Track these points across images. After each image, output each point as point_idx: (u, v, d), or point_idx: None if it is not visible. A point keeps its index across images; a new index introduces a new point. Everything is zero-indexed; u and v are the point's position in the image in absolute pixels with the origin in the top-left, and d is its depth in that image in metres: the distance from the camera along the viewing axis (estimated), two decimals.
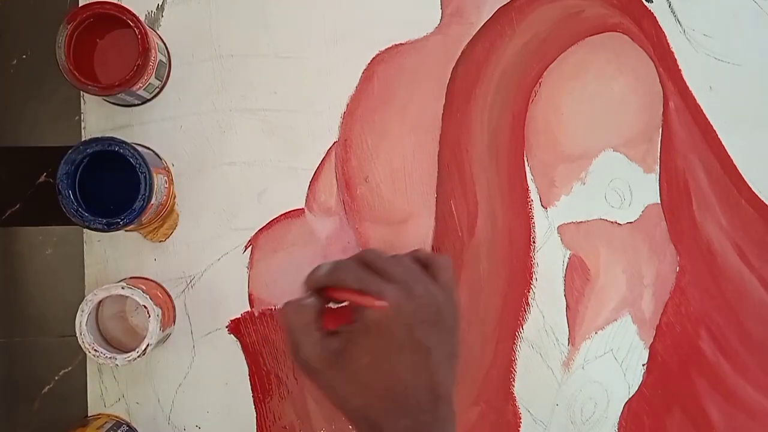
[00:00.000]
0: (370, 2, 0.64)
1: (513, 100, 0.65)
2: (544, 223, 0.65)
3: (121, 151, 0.55)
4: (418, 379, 0.52)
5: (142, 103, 0.62)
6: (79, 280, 0.62)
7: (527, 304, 0.65)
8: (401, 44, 0.64)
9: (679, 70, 0.66)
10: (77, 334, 0.56)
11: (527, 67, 0.65)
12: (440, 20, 0.65)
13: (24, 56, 0.62)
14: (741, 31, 0.67)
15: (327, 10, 0.64)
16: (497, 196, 0.65)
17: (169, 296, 0.62)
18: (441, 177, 0.65)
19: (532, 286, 0.65)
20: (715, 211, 0.67)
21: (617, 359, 0.66)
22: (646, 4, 0.66)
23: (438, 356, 0.53)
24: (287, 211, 0.64)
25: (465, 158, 0.65)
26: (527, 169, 0.65)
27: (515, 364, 0.65)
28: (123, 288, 0.57)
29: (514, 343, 0.65)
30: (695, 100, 0.66)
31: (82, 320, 0.56)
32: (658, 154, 0.66)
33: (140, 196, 0.55)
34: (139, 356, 0.57)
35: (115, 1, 0.56)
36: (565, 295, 0.65)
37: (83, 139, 0.61)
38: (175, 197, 0.63)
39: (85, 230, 0.62)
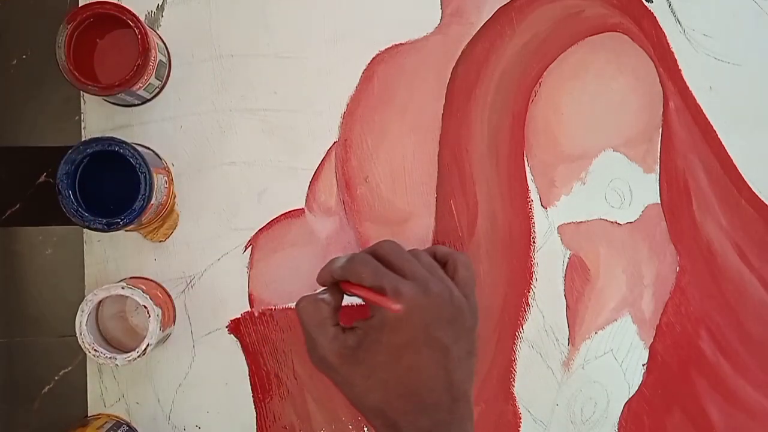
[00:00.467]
0: (370, 2, 0.64)
1: (513, 100, 0.65)
2: (544, 223, 0.65)
3: (121, 151, 0.55)
4: (436, 377, 0.52)
5: (142, 103, 0.62)
6: (79, 280, 0.62)
7: (527, 304, 0.65)
8: (401, 44, 0.64)
9: (679, 70, 0.66)
10: (77, 334, 0.56)
11: (527, 67, 0.65)
12: (440, 20, 0.65)
13: (24, 56, 0.62)
14: (741, 31, 0.67)
15: (327, 10, 0.64)
16: (497, 196, 0.65)
17: (169, 296, 0.62)
18: (441, 177, 0.65)
19: (532, 286, 0.65)
20: (715, 211, 0.67)
21: (617, 359, 0.66)
22: (646, 4, 0.66)
23: (456, 354, 0.53)
24: (287, 211, 0.64)
25: (465, 158, 0.65)
26: (527, 169, 0.65)
27: (515, 364, 0.65)
28: (123, 288, 0.57)
29: (514, 343, 0.65)
30: (695, 100, 0.66)
31: (82, 320, 0.56)
32: (658, 154, 0.66)
33: (140, 196, 0.55)
34: (139, 356, 0.57)
35: (115, 1, 0.56)
36: (565, 295, 0.65)
37: (83, 139, 0.61)
38: (175, 197, 0.63)
39: (85, 230, 0.62)
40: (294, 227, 0.64)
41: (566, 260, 0.65)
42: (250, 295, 0.63)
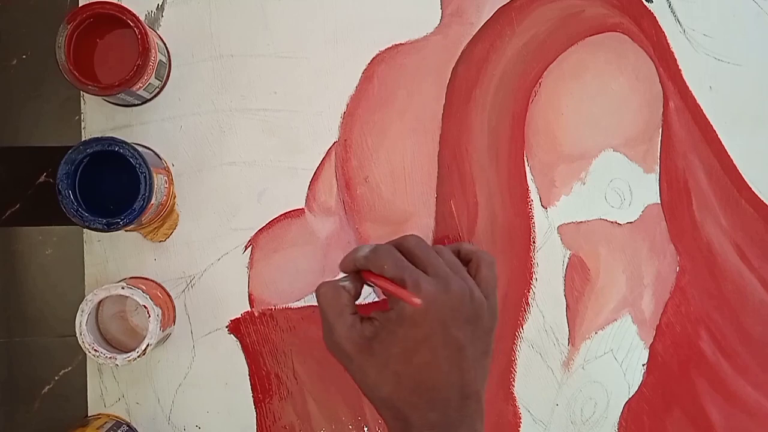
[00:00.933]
0: (370, 2, 0.64)
1: (513, 100, 0.65)
2: (544, 223, 0.65)
3: (121, 151, 0.55)
4: (450, 375, 0.52)
5: (142, 103, 0.62)
6: (79, 280, 0.62)
7: (527, 304, 0.65)
8: (401, 44, 0.64)
9: (679, 70, 0.66)
10: (77, 334, 0.56)
11: (527, 67, 0.65)
12: (440, 20, 0.65)
13: (24, 56, 0.62)
14: (741, 31, 0.67)
15: (327, 10, 0.64)
16: (497, 196, 0.65)
17: (169, 296, 0.62)
18: (441, 177, 0.65)
19: (532, 286, 0.65)
20: (715, 211, 0.67)
21: (617, 359, 0.66)
22: (646, 4, 0.66)
23: (471, 354, 0.53)
24: (287, 211, 0.64)
25: (465, 158, 0.65)
26: (527, 169, 0.65)
27: (515, 364, 0.65)
28: (123, 288, 0.57)
29: (514, 343, 0.65)
30: (695, 100, 0.66)
31: (82, 320, 0.56)
32: (658, 154, 0.66)
33: (140, 196, 0.55)
34: (139, 356, 0.57)
35: (115, 1, 0.56)
36: (565, 295, 0.65)
37: (83, 139, 0.61)
38: (175, 197, 0.63)
39: (85, 230, 0.62)
40: (294, 227, 0.64)
41: (566, 260, 0.65)
42: (250, 295, 0.63)
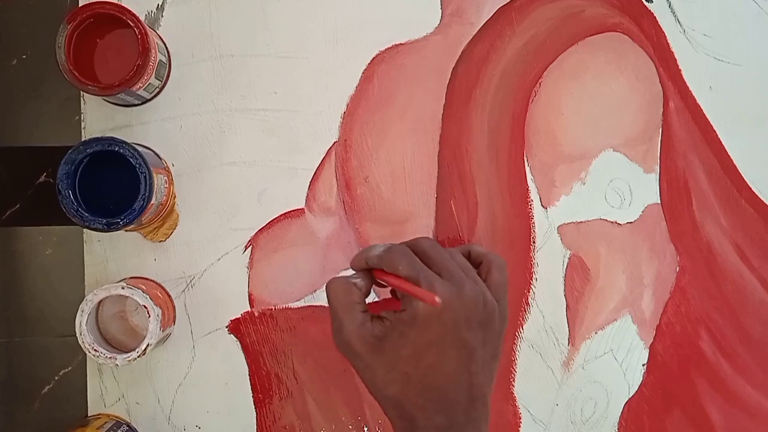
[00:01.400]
0: (370, 2, 0.64)
1: (513, 100, 0.65)
2: (544, 223, 0.65)
3: (121, 151, 0.55)
4: (459, 378, 0.52)
5: (142, 103, 0.62)
6: (79, 280, 0.62)
7: (527, 304, 0.65)
8: (401, 44, 0.64)
9: (679, 70, 0.66)
10: (77, 334, 0.56)
11: (527, 67, 0.65)
12: (440, 20, 0.65)
13: (24, 56, 0.62)
14: (741, 31, 0.67)
15: (327, 10, 0.64)
16: (497, 196, 0.65)
17: (169, 296, 0.62)
18: (441, 177, 0.65)
19: (532, 286, 0.65)
20: (715, 211, 0.67)
21: (617, 359, 0.66)
22: (646, 4, 0.66)
23: (481, 357, 0.52)
24: (287, 211, 0.64)
25: (465, 158, 0.65)
26: (527, 169, 0.65)
27: (515, 364, 0.65)
28: (123, 288, 0.57)
29: (514, 343, 0.65)
30: (695, 100, 0.66)
31: (82, 320, 0.56)
32: (658, 154, 0.66)
33: (140, 196, 0.55)
34: (139, 356, 0.57)
35: (115, 1, 0.56)
36: (565, 295, 0.65)
37: (83, 139, 0.61)
38: (175, 197, 0.63)
39: (85, 230, 0.62)
40: (294, 227, 0.64)
41: (566, 260, 0.65)
42: (250, 295, 0.63)
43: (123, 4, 0.57)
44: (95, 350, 0.57)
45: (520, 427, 0.65)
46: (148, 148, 0.60)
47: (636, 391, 0.66)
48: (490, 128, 0.65)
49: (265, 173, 0.63)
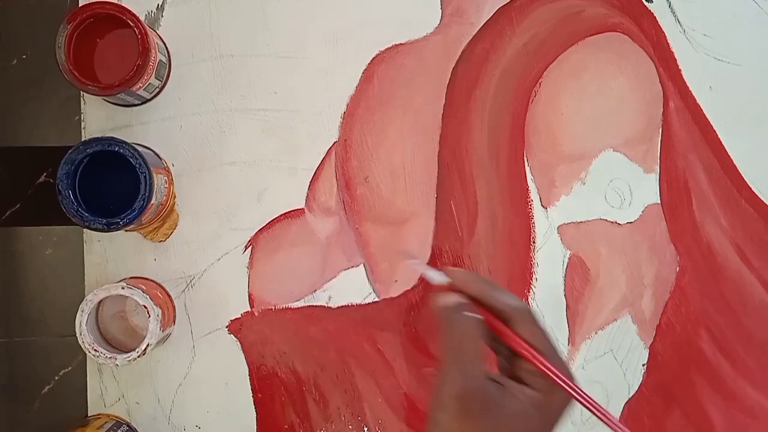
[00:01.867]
0: (370, 2, 0.64)
1: (513, 100, 0.65)
2: (544, 223, 0.65)
3: (121, 151, 0.55)
4: None
5: (142, 103, 0.62)
6: (79, 280, 0.62)
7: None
8: (401, 44, 0.64)
9: (679, 70, 0.66)
10: (77, 334, 0.56)
11: (527, 67, 0.65)
12: (440, 20, 0.65)
13: (24, 56, 0.62)
14: (741, 31, 0.67)
15: (327, 10, 0.64)
16: (497, 196, 0.65)
17: (169, 296, 0.62)
18: (441, 177, 0.65)
19: (532, 286, 0.65)
20: (715, 211, 0.67)
21: (617, 359, 0.66)
22: (646, 4, 0.66)
23: None
24: (287, 211, 0.64)
25: (465, 158, 0.65)
26: (527, 169, 0.65)
27: None
28: (123, 288, 0.57)
29: None
30: (695, 100, 0.66)
31: (82, 320, 0.56)
32: (658, 154, 0.66)
33: (140, 196, 0.55)
34: (139, 356, 0.57)
35: (115, 1, 0.56)
36: (565, 295, 0.65)
37: (83, 139, 0.61)
38: (175, 197, 0.63)
39: (85, 230, 0.62)
40: (294, 227, 0.64)
41: (566, 260, 0.65)
42: (250, 295, 0.63)
43: (123, 4, 0.57)
44: (95, 350, 0.57)
45: None
46: (148, 148, 0.60)
47: (636, 391, 0.66)
48: (490, 128, 0.65)
49: (265, 173, 0.63)
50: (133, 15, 0.56)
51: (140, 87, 0.58)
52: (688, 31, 0.66)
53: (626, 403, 0.66)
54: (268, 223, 0.63)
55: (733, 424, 0.66)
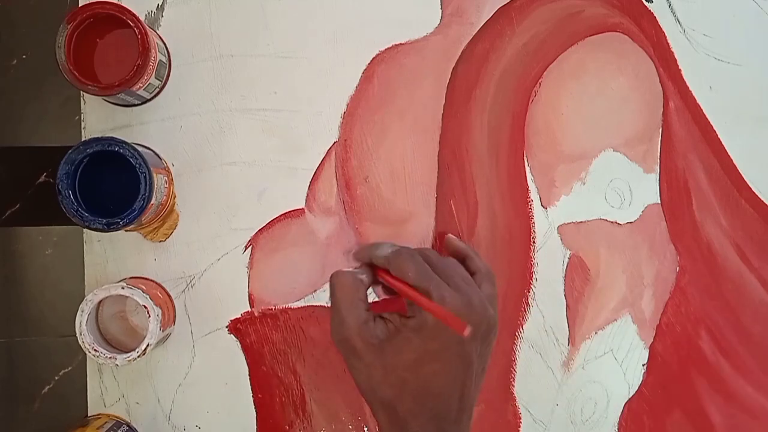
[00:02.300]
0: (370, 2, 0.64)
1: (513, 100, 0.65)
2: (544, 223, 0.65)
3: (121, 151, 0.55)
4: (454, 387, 0.52)
5: (142, 103, 0.62)
6: (79, 280, 0.62)
7: (527, 304, 0.65)
8: (401, 44, 0.64)
9: (679, 70, 0.66)
10: (77, 334, 0.56)
11: (527, 67, 0.65)
12: (440, 20, 0.65)
13: (24, 56, 0.62)
14: (741, 31, 0.67)
15: (327, 10, 0.64)
16: (497, 196, 0.65)
17: (169, 296, 0.62)
18: (441, 177, 0.65)
19: (532, 286, 0.65)
20: (715, 211, 0.67)
21: (617, 359, 0.66)
22: (646, 4, 0.66)
23: (475, 369, 0.53)
24: (287, 211, 0.64)
25: (465, 158, 0.65)
26: (527, 169, 0.65)
27: (515, 364, 0.65)
28: (123, 288, 0.57)
29: (514, 343, 0.65)
30: (695, 100, 0.66)
31: (82, 320, 0.56)
32: (658, 154, 0.66)
33: (140, 196, 0.55)
34: (139, 356, 0.57)
35: (115, 1, 0.56)
36: (565, 295, 0.65)
37: (83, 139, 0.61)
38: (175, 197, 0.63)
39: (85, 230, 0.62)
40: (294, 227, 0.64)
41: (566, 260, 0.65)
42: (250, 295, 0.63)
43: (123, 4, 0.57)
44: (95, 350, 0.57)
45: (520, 427, 0.65)
46: (148, 148, 0.60)
47: (636, 391, 0.66)
48: (490, 128, 0.65)
49: (265, 173, 0.63)
50: (133, 15, 0.56)
51: (140, 87, 0.58)
52: (688, 31, 0.66)
53: (626, 403, 0.66)
54: (268, 223, 0.63)
55: (733, 424, 0.66)
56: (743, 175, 0.67)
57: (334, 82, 0.64)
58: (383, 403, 0.52)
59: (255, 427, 0.63)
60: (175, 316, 0.62)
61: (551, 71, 0.65)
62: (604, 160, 0.66)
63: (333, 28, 0.64)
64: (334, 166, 0.64)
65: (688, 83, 0.66)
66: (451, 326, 0.49)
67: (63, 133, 0.62)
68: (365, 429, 0.64)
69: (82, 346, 0.57)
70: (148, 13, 0.63)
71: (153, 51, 0.57)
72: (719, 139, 0.66)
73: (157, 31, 0.62)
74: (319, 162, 0.64)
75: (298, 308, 0.63)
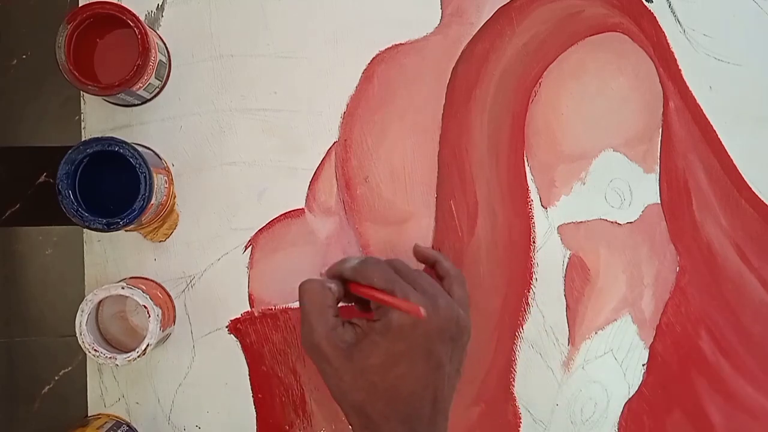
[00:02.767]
0: (370, 2, 0.64)
1: (513, 100, 0.65)
2: (544, 223, 0.65)
3: (121, 151, 0.55)
4: (425, 390, 0.52)
5: (142, 103, 0.62)
6: (79, 280, 0.62)
7: (527, 304, 0.65)
8: (401, 44, 0.64)
9: (679, 70, 0.66)
10: (77, 334, 0.56)
11: (527, 67, 0.65)
12: (440, 20, 0.65)
13: (24, 56, 0.62)
14: (741, 31, 0.67)
15: (327, 10, 0.64)
16: (497, 196, 0.65)
17: (169, 296, 0.62)
18: (441, 177, 0.65)
19: (532, 286, 0.65)
20: (715, 211, 0.67)
21: (617, 359, 0.66)
22: (646, 4, 0.66)
23: (448, 371, 0.53)
24: (287, 211, 0.64)
25: (465, 158, 0.65)
26: (527, 169, 0.65)
27: (515, 364, 0.65)
28: (123, 288, 0.57)
29: (514, 343, 0.65)
30: (695, 100, 0.66)
31: (82, 320, 0.56)
32: (658, 154, 0.66)
33: (140, 196, 0.55)
34: (139, 356, 0.57)
35: (115, 1, 0.56)
36: (565, 295, 0.65)
37: (83, 139, 0.61)
38: (175, 197, 0.63)
39: (85, 230, 0.62)
40: (294, 227, 0.64)
41: (566, 260, 0.65)
42: (250, 295, 0.63)
43: (123, 4, 0.57)
44: (95, 350, 0.57)
45: (520, 427, 0.65)
46: (148, 148, 0.60)
47: (636, 391, 0.66)
48: (490, 128, 0.65)
49: (265, 173, 0.63)
50: (133, 15, 0.56)
51: (140, 87, 0.58)
52: (688, 31, 0.66)
53: (626, 403, 0.66)
54: (268, 223, 0.63)
55: (733, 424, 0.66)
56: (743, 175, 0.67)
57: (334, 82, 0.64)
58: (354, 407, 0.52)
59: (255, 427, 0.63)
60: (175, 316, 0.62)
61: (551, 71, 0.65)
62: (604, 160, 0.66)
63: (333, 28, 0.64)
64: (334, 166, 0.64)
65: (688, 83, 0.66)
66: (406, 311, 0.50)
67: (63, 133, 0.62)
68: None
69: (82, 346, 0.57)
70: (148, 13, 0.63)
71: (153, 51, 0.57)
72: (719, 139, 0.66)
73: (157, 31, 0.62)
74: (319, 162, 0.64)
75: (298, 308, 0.63)
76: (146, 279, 0.62)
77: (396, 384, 0.52)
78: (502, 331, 0.65)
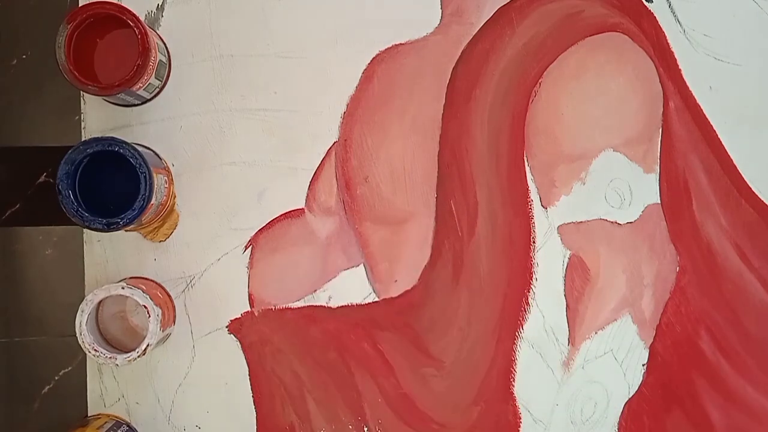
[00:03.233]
0: (370, 2, 0.64)
1: (513, 100, 0.65)
2: (544, 223, 0.65)
3: (121, 151, 0.55)
4: None
5: (142, 103, 0.62)
6: (79, 280, 0.62)
7: (527, 304, 0.65)
8: (401, 44, 0.64)
9: (679, 70, 0.66)
10: (77, 334, 0.56)
11: (527, 67, 0.65)
12: (440, 20, 0.65)
13: (24, 56, 0.62)
14: (741, 31, 0.67)
15: (327, 10, 0.64)
16: (497, 196, 0.65)
17: (169, 296, 0.62)
18: (441, 177, 0.65)
19: (532, 286, 0.65)
20: (715, 211, 0.67)
21: (617, 359, 0.66)
22: (646, 4, 0.66)
23: None
24: (287, 211, 0.64)
25: (465, 158, 0.65)
26: (527, 169, 0.65)
27: (515, 364, 0.65)
28: (123, 288, 0.57)
29: (514, 343, 0.65)
30: (695, 100, 0.66)
31: (82, 320, 0.56)
32: (658, 154, 0.66)
33: (140, 196, 0.55)
34: (139, 356, 0.57)
35: (115, 1, 0.56)
36: (565, 295, 0.65)
37: (83, 139, 0.61)
38: (175, 197, 0.63)
39: (85, 230, 0.62)
40: (294, 227, 0.64)
41: (566, 260, 0.65)
42: (250, 295, 0.63)
43: (123, 4, 0.57)
44: (95, 350, 0.57)
45: (520, 427, 0.65)
46: (148, 148, 0.60)
47: (636, 391, 0.66)
48: (490, 128, 0.65)
49: (265, 173, 0.63)
50: (133, 15, 0.56)
51: (140, 87, 0.58)
52: (688, 31, 0.66)
53: (626, 403, 0.66)
54: (268, 223, 0.63)
55: (733, 424, 0.66)
56: (743, 175, 0.67)
57: (334, 82, 0.64)
58: None
59: (255, 427, 0.63)
60: (175, 316, 0.62)
61: (551, 71, 0.65)
62: (604, 160, 0.66)
63: (333, 28, 0.64)
64: (334, 166, 0.64)
65: (688, 83, 0.66)
66: None
67: (63, 133, 0.62)
68: (365, 429, 0.64)
69: (82, 346, 0.57)
70: (148, 13, 0.63)
71: (153, 51, 0.57)
72: (719, 139, 0.66)
73: (157, 31, 0.62)
74: (319, 162, 0.64)
75: (298, 308, 0.64)
76: (146, 279, 0.62)
77: None
78: (502, 331, 0.65)
